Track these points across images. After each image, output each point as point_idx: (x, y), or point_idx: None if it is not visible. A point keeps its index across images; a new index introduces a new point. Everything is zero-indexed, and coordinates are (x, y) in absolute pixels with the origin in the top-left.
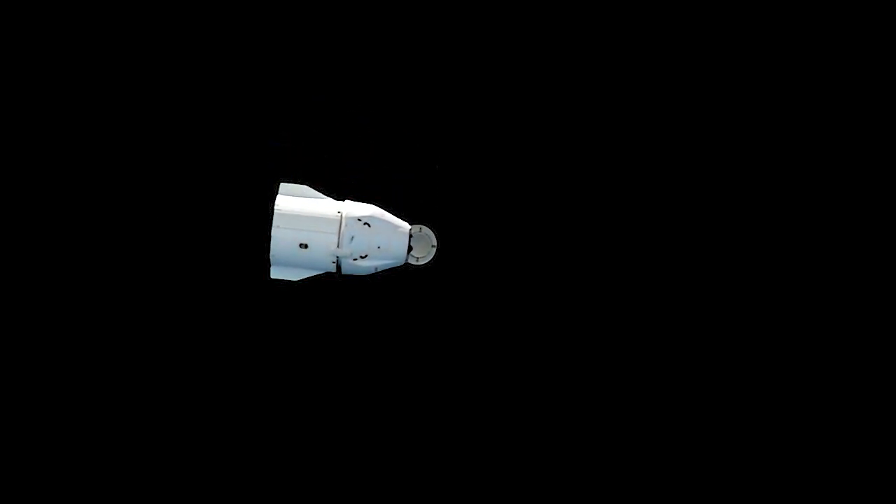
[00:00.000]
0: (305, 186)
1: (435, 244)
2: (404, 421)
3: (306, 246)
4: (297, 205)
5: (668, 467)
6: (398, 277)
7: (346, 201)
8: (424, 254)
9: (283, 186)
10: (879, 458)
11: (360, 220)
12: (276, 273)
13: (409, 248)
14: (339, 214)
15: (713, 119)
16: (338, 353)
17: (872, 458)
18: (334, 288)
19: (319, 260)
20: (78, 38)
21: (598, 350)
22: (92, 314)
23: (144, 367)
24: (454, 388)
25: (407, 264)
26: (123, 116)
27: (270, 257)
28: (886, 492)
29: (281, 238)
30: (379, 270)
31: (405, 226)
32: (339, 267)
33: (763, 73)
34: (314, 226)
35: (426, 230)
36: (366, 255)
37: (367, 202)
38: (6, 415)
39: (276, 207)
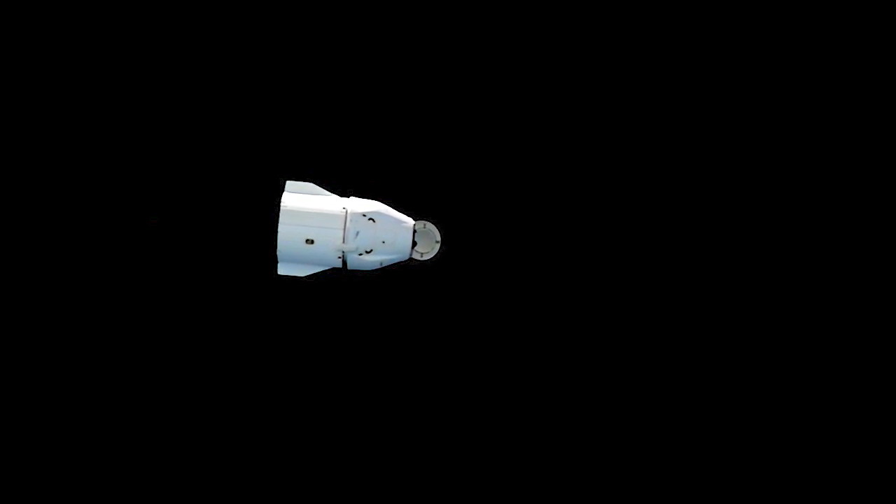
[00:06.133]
0: (311, 184)
1: (439, 240)
2: (409, 416)
3: (312, 242)
4: (303, 202)
5: (668, 467)
6: (403, 273)
7: (351, 198)
8: (429, 249)
9: (290, 184)
10: (879, 458)
11: (364, 215)
12: (283, 269)
13: (414, 244)
14: (344, 210)
15: (714, 119)
16: (344, 347)
17: (872, 458)
18: (340, 284)
19: (325, 255)
20: (78, 38)
21: (601, 345)
22: (99, 313)
23: (153, 364)
24: (458, 383)
25: (411, 259)
26: (130, 114)
27: (277, 254)
28: (886, 492)
29: (287, 235)
30: (384, 265)
31: (409, 221)
32: (344, 262)
33: (763, 73)
34: (320, 222)
35: (430, 226)
36: (371, 250)
37: (372, 199)
38: (9, 415)
39: (282, 205)
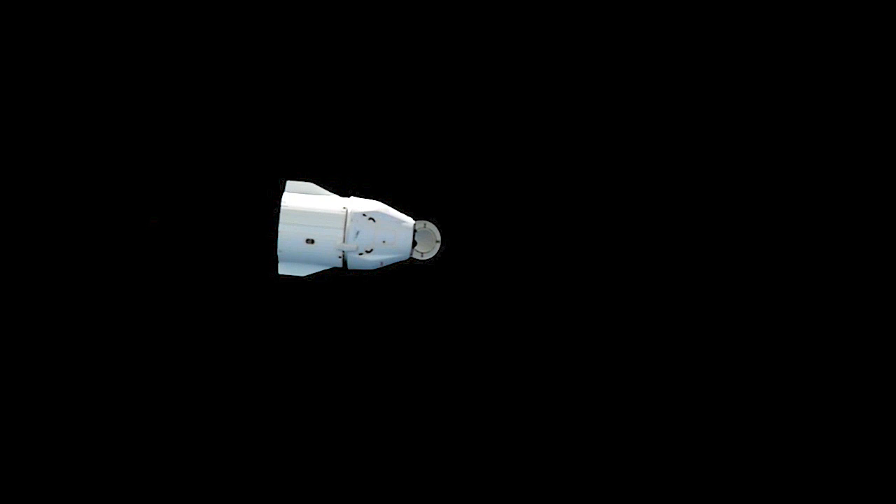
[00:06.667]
0: (311, 184)
1: (439, 239)
2: (410, 416)
3: (313, 241)
4: (303, 202)
5: (668, 467)
6: (404, 273)
7: (352, 198)
8: (429, 249)
9: (290, 184)
10: (879, 458)
11: (364, 215)
12: (283, 269)
13: (414, 244)
14: (345, 210)
15: (713, 119)
16: (345, 347)
17: (872, 458)
18: (341, 283)
19: (326, 255)
20: (78, 38)
21: (601, 344)
22: (100, 313)
23: (154, 364)
24: (459, 382)
25: (412, 259)
26: (130, 115)
27: (278, 254)
28: (886, 492)
29: (288, 234)
30: (384, 265)
31: (409, 221)
32: (345, 262)
33: (763, 73)
34: (320, 222)
35: (430, 226)
36: (371, 250)
37: (372, 199)
38: (10, 415)
39: (282, 205)
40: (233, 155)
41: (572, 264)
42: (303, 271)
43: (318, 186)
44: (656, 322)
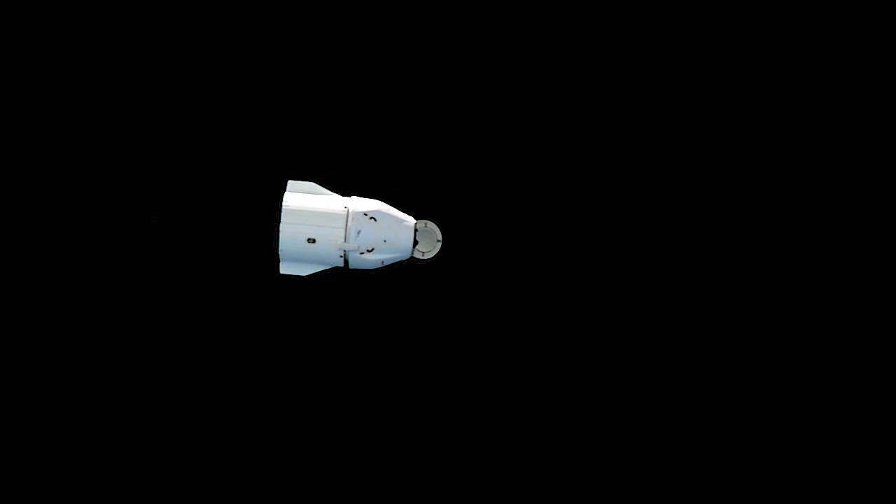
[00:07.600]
0: (313, 183)
1: (440, 239)
2: (411, 415)
3: (314, 241)
4: (304, 201)
5: (668, 467)
6: (405, 272)
7: (353, 197)
8: (430, 248)
9: (291, 184)
10: (879, 459)
11: (366, 214)
12: (284, 269)
13: (415, 243)
14: (346, 210)
15: (713, 119)
16: (346, 346)
17: (872, 458)
18: (342, 283)
19: (327, 254)
20: (79, 38)
21: (601, 343)
22: (101, 313)
23: (155, 363)
24: (460, 381)
25: (413, 258)
26: (132, 115)
27: (279, 253)
28: (886, 492)
29: (289, 234)
30: (385, 264)
31: (410, 220)
32: (346, 261)
33: (763, 73)
34: (321, 221)
35: (431, 225)
36: (372, 249)
37: (374, 198)
38: (10, 415)
39: (284, 204)
40: (234, 155)
41: (572, 264)
42: (304, 271)
43: (319, 186)
44: (655, 321)
